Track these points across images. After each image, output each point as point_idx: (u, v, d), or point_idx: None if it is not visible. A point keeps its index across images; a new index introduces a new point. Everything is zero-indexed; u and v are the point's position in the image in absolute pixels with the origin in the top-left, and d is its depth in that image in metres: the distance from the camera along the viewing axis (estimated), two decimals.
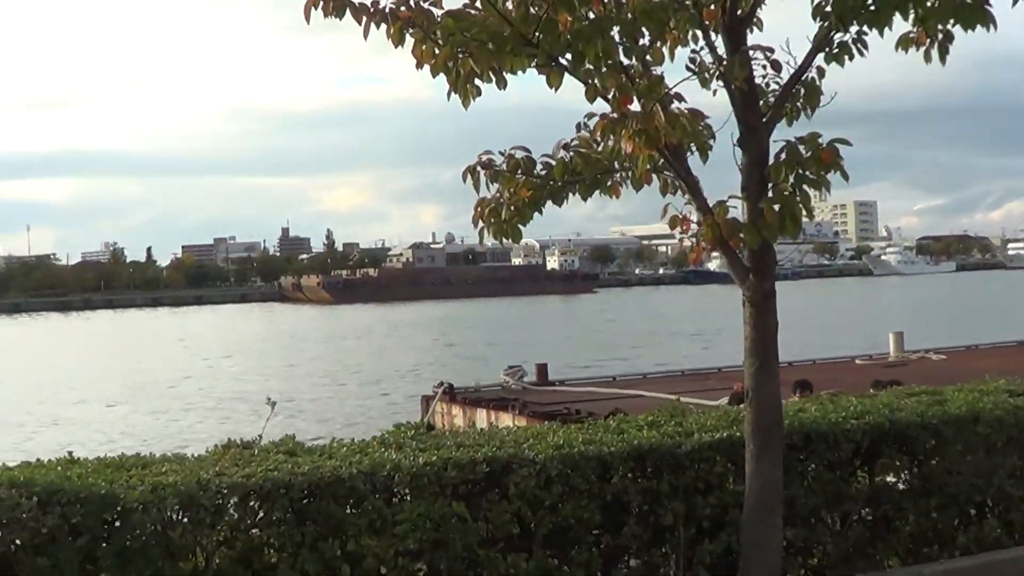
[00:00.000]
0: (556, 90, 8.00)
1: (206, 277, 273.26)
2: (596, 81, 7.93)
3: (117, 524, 8.10)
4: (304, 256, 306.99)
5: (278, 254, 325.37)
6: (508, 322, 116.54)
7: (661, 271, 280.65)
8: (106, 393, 58.15)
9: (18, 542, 7.93)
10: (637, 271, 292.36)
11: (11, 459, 9.08)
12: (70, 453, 9.43)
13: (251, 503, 8.38)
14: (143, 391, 58.96)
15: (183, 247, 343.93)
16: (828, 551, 10.44)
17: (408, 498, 8.80)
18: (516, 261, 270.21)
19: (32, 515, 7.95)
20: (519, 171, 9.00)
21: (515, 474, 9.05)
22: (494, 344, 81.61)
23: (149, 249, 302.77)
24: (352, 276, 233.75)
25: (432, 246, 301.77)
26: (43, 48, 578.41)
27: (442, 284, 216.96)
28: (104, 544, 8.08)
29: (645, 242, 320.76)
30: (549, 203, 9.22)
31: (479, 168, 9.03)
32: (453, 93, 8.31)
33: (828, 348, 48.79)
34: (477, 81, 8.23)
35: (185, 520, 8.22)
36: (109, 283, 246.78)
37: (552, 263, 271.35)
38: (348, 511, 8.60)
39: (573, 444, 9.55)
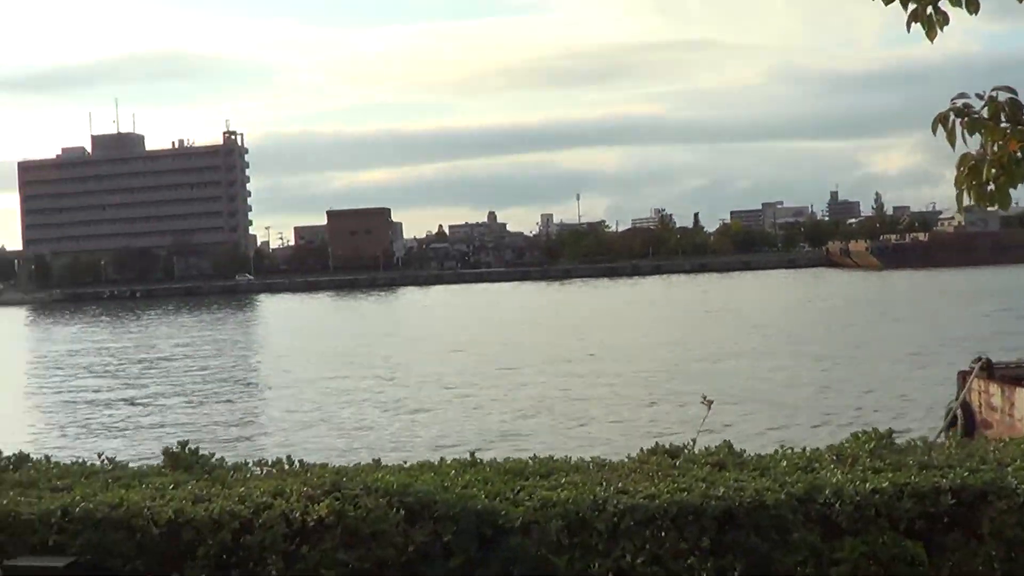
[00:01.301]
0: None
1: (753, 243, 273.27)
2: None
3: (495, 544, 6.95)
4: (852, 220, 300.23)
5: (826, 218, 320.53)
6: None
7: None
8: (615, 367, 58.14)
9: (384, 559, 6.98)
10: None
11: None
12: (472, 454, 8.41)
13: (655, 529, 6.93)
14: (659, 365, 58.41)
15: (731, 213, 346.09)
16: None
17: (850, 532, 7.01)
18: None
19: (400, 529, 6.97)
20: (1003, 118, 6.91)
21: (991, 507, 7.03)
22: None
23: (696, 215, 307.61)
24: (901, 241, 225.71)
25: (988, 209, 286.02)
26: (594, 21, 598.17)
27: (996, 249, 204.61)
28: (481, 567, 6.94)
29: None
30: None
31: (952, 115, 6.99)
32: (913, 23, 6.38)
33: None
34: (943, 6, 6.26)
35: (574, 545, 6.93)
36: (657, 249, 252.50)
37: None
38: (774, 544, 6.96)
39: None
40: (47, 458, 9.20)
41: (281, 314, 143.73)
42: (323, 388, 54.38)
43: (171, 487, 7.87)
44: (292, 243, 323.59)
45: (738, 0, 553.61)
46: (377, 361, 66.93)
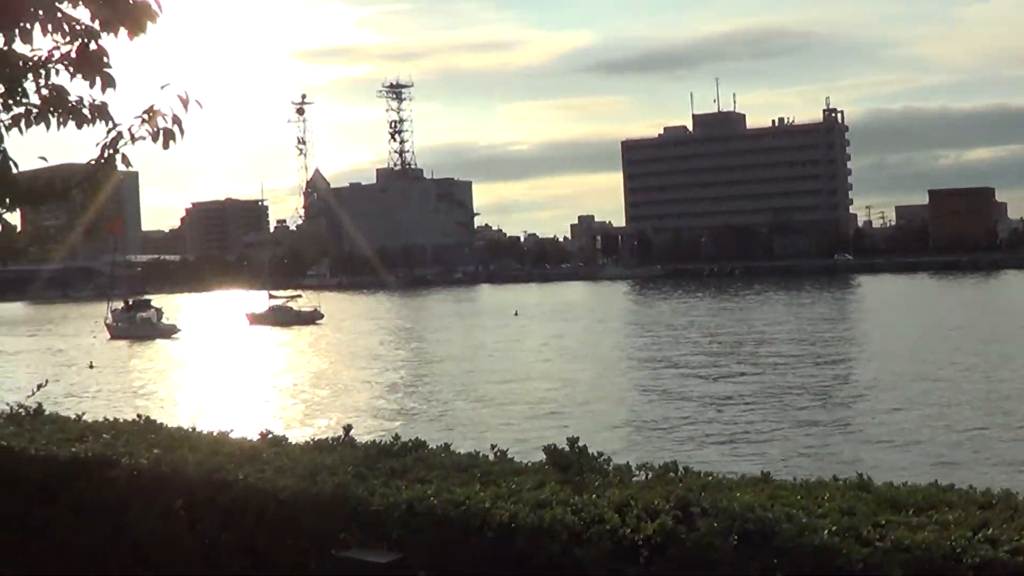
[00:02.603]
0: None
1: None
2: None
3: None
4: None
5: None
6: None
7: None
8: None
9: None
10: None
11: None
12: (860, 475, 7.35)
13: None
14: None
15: None
16: None
17: None
18: None
19: (732, 559, 6.20)
20: None
21: None
22: None
23: None
24: None
25: None
26: None
27: None
28: None
29: None
30: None
31: None
32: None
33: None
34: None
35: None
36: None
37: None
38: None
39: None
40: (446, 446, 9.10)
41: (882, 295, 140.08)
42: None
43: (528, 487, 7.48)
44: (893, 222, 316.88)
45: None
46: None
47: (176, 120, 10.93)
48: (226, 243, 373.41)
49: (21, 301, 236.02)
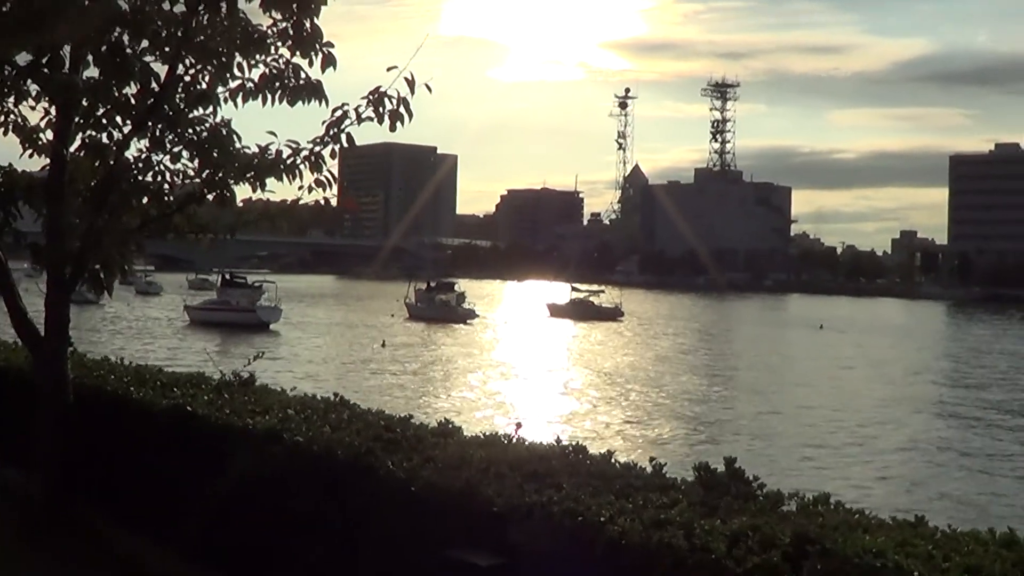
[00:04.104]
0: None
1: None
2: None
3: None
4: None
5: None
6: None
7: None
8: None
9: None
10: None
11: None
12: (1011, 530, 6.68)
13: None
14: None
15: None
16: None
17: None
18: None
19: None
20: None
21: None
22: None
23: None
24: None
25: None
26: None
27: None
28: None
29: None
30: None
31: None
32: None
33: None
34: None
35: None
36: None
37: None
38: None
39: None
40: (609, 454, 8.73)
41: None
42: None
43: (657, 504, 7.11)
44: None
45: None
46: None
47: (403, 102, 10.99)
48: (538, 232, 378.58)
49: (332, 275, 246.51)
